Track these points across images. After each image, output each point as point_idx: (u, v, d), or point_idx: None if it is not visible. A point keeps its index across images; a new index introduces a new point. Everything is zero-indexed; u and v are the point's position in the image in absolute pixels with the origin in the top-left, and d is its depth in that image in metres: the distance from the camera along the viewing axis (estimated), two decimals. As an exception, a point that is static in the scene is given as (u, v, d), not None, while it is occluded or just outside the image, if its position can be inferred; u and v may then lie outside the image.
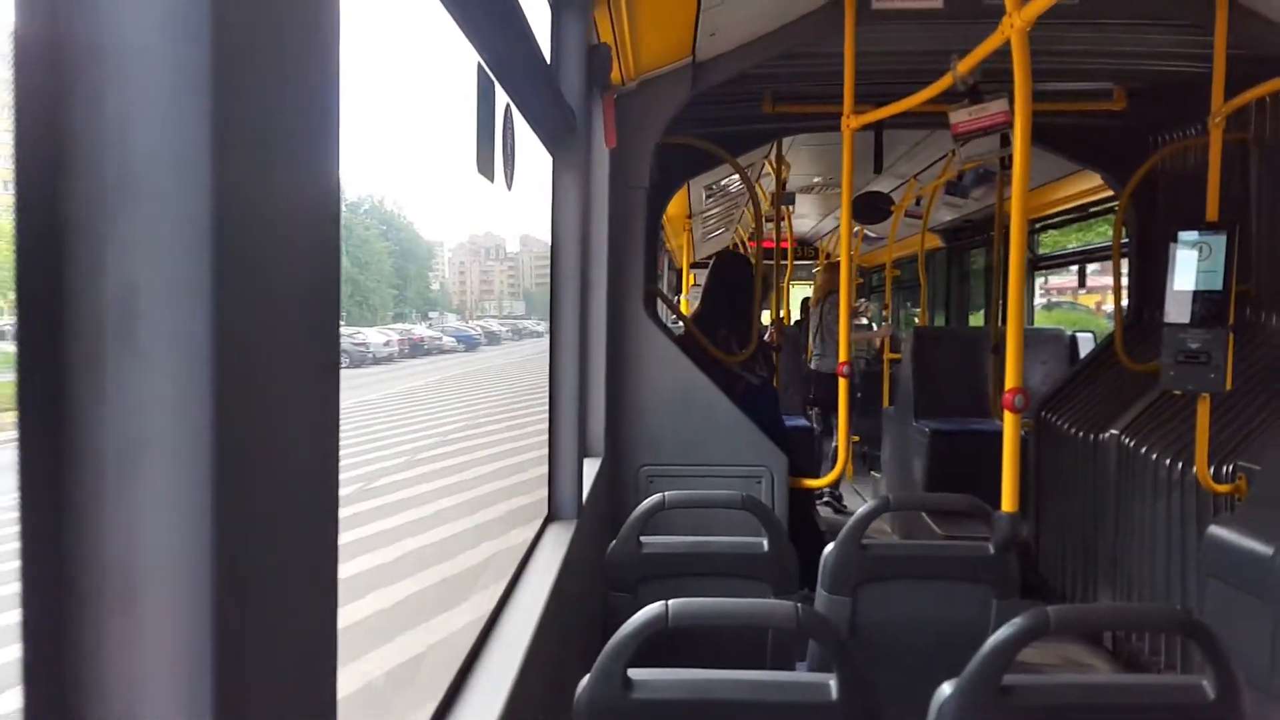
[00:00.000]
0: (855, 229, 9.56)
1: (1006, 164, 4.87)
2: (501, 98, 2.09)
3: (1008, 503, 2.59)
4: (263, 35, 0.58)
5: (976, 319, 8.78)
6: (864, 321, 10.19)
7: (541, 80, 2.24)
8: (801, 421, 6.36)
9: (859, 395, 7.70)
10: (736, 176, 6.65)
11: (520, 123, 2.27)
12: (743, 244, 10.82)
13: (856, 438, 7.70)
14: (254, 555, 0.58)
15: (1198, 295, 3.33)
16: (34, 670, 0.52)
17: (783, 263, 6.64)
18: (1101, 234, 6.28)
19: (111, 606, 0.52)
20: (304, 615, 0.67)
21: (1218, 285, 3.27)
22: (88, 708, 0.53)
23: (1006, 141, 4.40)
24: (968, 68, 2.96)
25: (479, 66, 1.93)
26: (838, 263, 8.67)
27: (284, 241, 0.62)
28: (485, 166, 2.04)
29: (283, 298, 0.62)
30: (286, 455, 0.63)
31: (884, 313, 8.29)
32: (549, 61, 2.56)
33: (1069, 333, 6.28)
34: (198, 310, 0.52)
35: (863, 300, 10.16)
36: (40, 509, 0.52)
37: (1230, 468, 3.39)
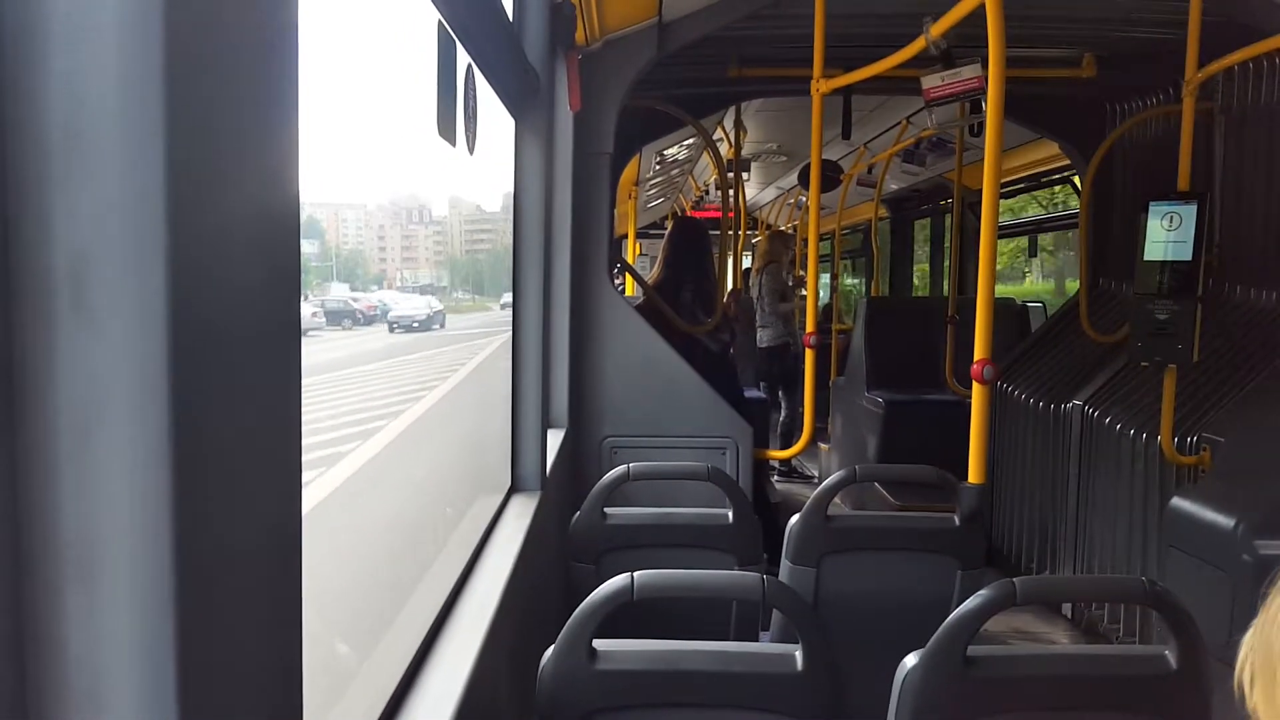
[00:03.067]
0: (799, 199, 9.56)
1: (975, 131, 4.83)
2: (463, 59, 1.99)
3: (974, 474, 2.61)
4: None
5: (922, 290, 8.82)
6: (803, 293, 10.17)
7: (504, 39, 2.18)
8: (755, 393, 6.29)
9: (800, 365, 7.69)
10: (688, 143, 6.52)
11: (481, 84, 2.16)
12: (683, 211, 10.72)
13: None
14: (214, 525, 0.57)
15: (1165, 266, 3.31)
16: None
17: (735, 232, 6.54)
18: (1045, 203, 6.31)
19: (70, 579, 0.52)
20: (267, 584, 0.65)
21: (1187, 255, 3.26)
22: (48, 680, 0.52)
23: (969, 109, 4.35)
24: (940, 31, 2.90)
25: (439, 24, 1.85)
26: (779, 233, 8.68)
27: (240, 204, 0.59)
28: (446, 130, 1.97)
29: (240, 263, 0.59)
30: (246, 423, 0.61)
31: (833, 283, 8.27)
32: (511, 20, 2.43)
33: (1020, 303, 6.31)
34: (151, 278, 0.50)
35: (803, 273, 10.14)
36: None
37: (1194, 439, 3.41)
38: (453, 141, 2.02)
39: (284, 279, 0.66)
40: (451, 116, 1.95)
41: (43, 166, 0.49)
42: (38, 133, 0.49)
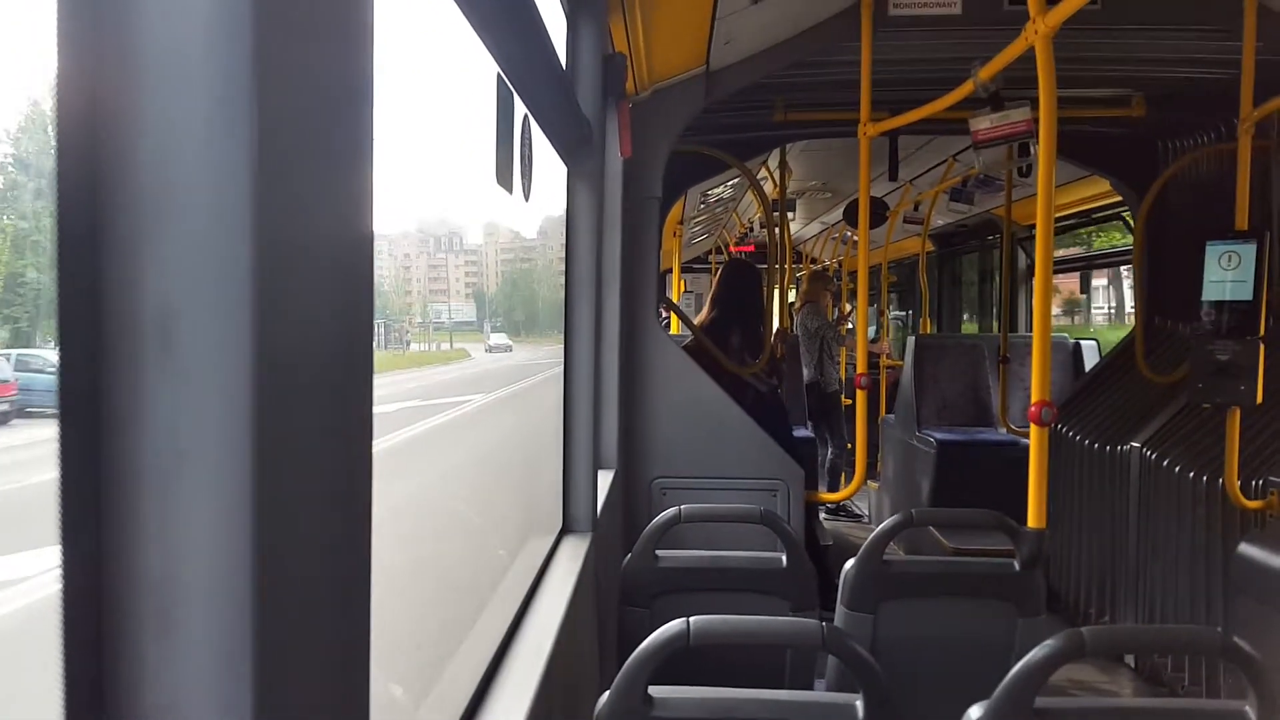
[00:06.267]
0: (844, 234, 9.53)
1: (1024, 173, 4.80)
2: (520, 109, 2.04)
3: (1034, 518, 2.55)
4: (302, 49, 0.58)
5: (968, 325, 8.73)
6: (850, 326, 10.11)
7: (558, 90, 2.21)
8: (804, 432, 6.25)
9: (850, 404, 7.61)
10: (731, 182, 6.56)
11: (535, 132, 2.21)
12: (725, 248, 10.76)
13: (851, 445, 7.63)
14: (290, 570, 0.57)
15: (1225, 305, 3.25)
16: (73, 683, 0.51)
17: (780, 265, 6.55)
18: (1104, 240, 6.24)
19: (150, 624, 0.52)
20: (338, 629, 0.66)
21: (1247, 295, 3.19)
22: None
23: (1017, 151, 4.33)
24: (989, 74, 2.90)
25: (498, 77, 1.89)
26: (818, 273, 8.65)
27: (320, 254, 0.61)
28: (504, 177, 2.01)
29: (319, 310, 0.61)
30: (322, 467, 0.62)
31: (881, 319, 8.21)
32: (565, 71, 2.48)
33: (1072, 341, 6.22)
34: (236, 323, 0.52)
35: (850, 307, 10.08)
36: (80, 522, 0.51)
37: (1260, 482, 3.32)
38: (510, 189, 2.06)
39: (359, 327, 0.67)
40: (509, 165, 2.00)
41: (134, 219, 0.51)
42: (131, 187, 0.51)
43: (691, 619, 1.56)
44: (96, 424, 0.51)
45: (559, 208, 2.67)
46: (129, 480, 0.52)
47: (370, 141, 0.68)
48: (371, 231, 0.69)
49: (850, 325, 9.49)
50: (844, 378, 7.76)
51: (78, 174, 0.51)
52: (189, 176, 0.51)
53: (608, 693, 1.52)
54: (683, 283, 10.19)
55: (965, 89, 2.98)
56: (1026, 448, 2.61)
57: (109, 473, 0.52)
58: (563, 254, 2.67)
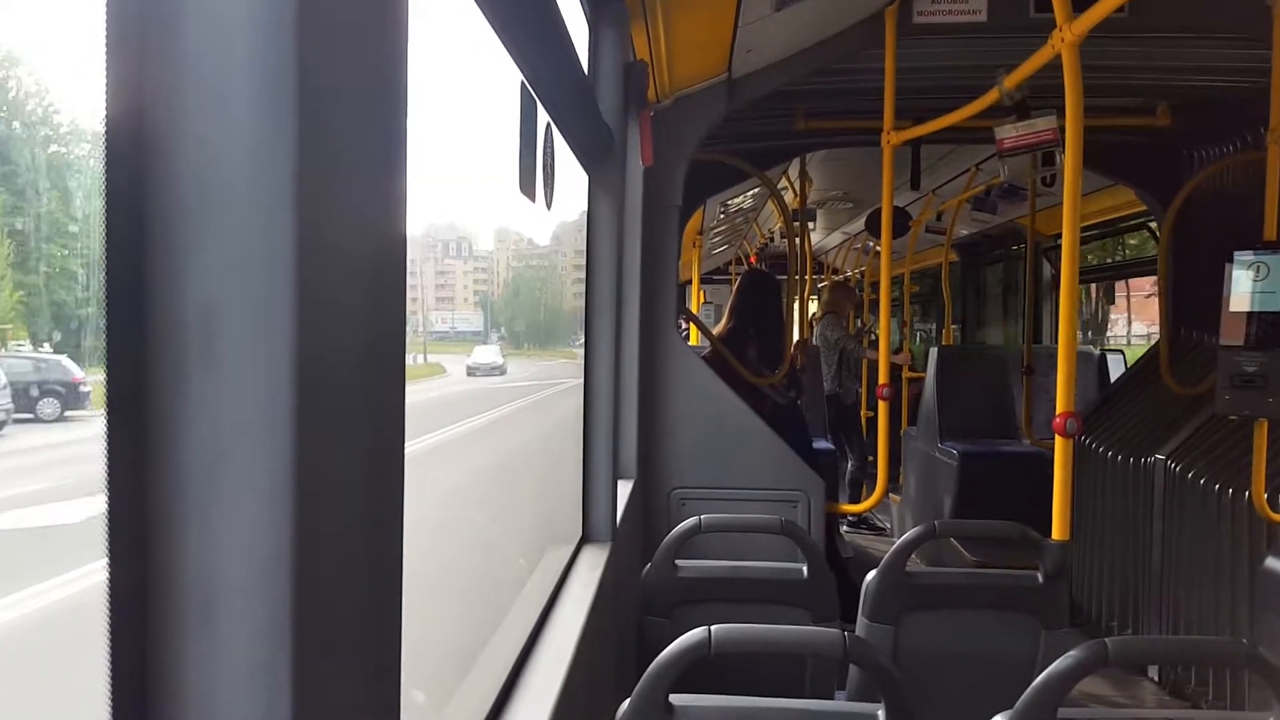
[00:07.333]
0: (866, 244, 9.50)
1: (1048, 182, 4.77)
2: (543, 117, 2.05)
3: (1058, 530, 2.54)
4: (341, 53, 0.59)
5: (992, 336, 8.66)
6: (873, 338, 10.05)
7: (580, 97, 2.21)
8: (824, 444, 6.22)
9: (871, 416, 7.57)
10: (751, 192, 6.55)
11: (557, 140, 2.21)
12: (746, 259, 10.73)
13: (872, 458, 7.59)
14: (328, 562, 0.58)
15: (1254, 316, 3.21)
16: (118, 677, 0.53)
17: (800, 276, 6.53)
18: (1132, 251, 6.19)
19: (192, 619, 0.53)
20: (373, 622, 0.67)
21: (1276, 306, 3.16)
22: (168, 717, 0.54)
23: (1041, 160, 4.31)
24: (1015, 82, 2.89)
25: (521, 85, 1.89)
26: (839, 284, 8.61)
27: (356, 254, 0.62)
28: (527, 185, 2.01)
29: (355, 310, 0.62)
30: (357, 464, 0.63)
31: (903, 330, 8.17)
32: (587, 78, 2.49)
33: (1097, 352, 6.17)
34: (277, 329, 0.53)
35: (873, 319, 10.02)
36: (126, 521, 0.53)
37: None
38: (532, 197, 2.07)
39: (393, 331, 0.69)
40: (532, 172, 2.01)
41: (179, 224, 0.52)
42: (175, 192, 0.52)
43: (713, 627, 1.55)
44: (141, 422, 0.53)
45: (569, 213, 2.63)
46: (173, 476, 0.53)
47: (404, 144, 0.69)
48: (405, 232, 0.70)
49: (873, 337, 9.47)
50: (864, 390, 7.72)
51: (122, 181, 0.52)
52: (232, 177, 0.52)
53: (629, 700, 1.52)
54: (702, 294, 10.18)
55: (990, 97, 2.97)
56: (1050, 460, 2.59)
57: (153, 469, 0.53)
58: (576, 260, 2.66)
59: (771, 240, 9.84)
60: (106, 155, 0.51)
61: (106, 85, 0.51)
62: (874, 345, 9.03)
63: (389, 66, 0.67)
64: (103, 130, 0.51)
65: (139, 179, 0.52)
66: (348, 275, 0.61)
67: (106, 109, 0.51)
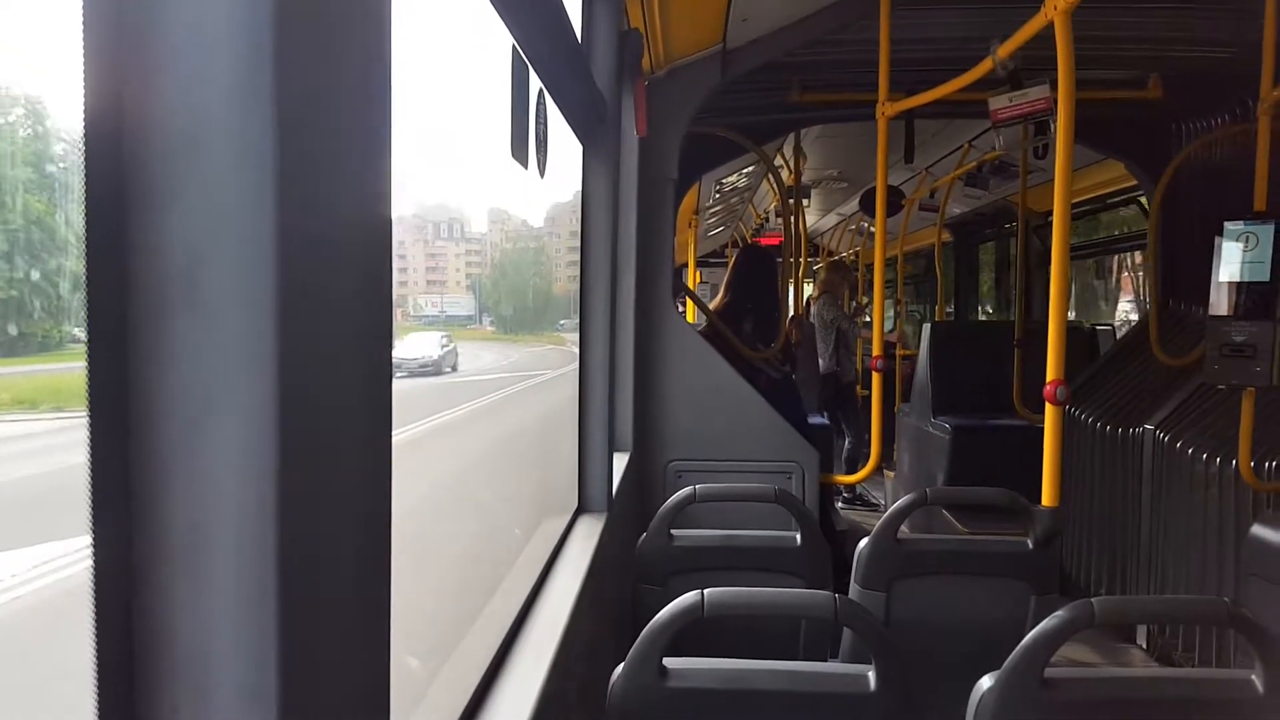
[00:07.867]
0: (860, 225, 9.51)
1: (1040, 154, 4.78)
2: (535, 83, 2.04)
3: (1048, 497, 2.56)
4: (324, 5, 0.59)
5: (986, 313, 8.70)
6: (866, 319, 10.07)
7: (574, 65, 2.21)
8: (820, 419, 6.26)
9: (867, 394, 7.61)
10: (747, 170, 6.55)
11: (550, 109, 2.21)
12: (743, 240, 10.71)
13: (867, 435, 7.63)
14: (315, 515, 0.58)
15: (1242, 287, 3.24)
16: (104, 626, 0.52)
17: (795, 259, 6.54)
18: (1123, 224, 6.21)
19: (179, 568, 0.53)
20: (361, 578, 0.67)
21: (1264, 276, 3.18)
22: (155, 669, 0.54)
23: (1033, 132, 4.32)
24: (1008, 52, 2.89)
25: (513, 49, 1.89)
26: (836, 263, 8.61)
27: (341, 210, 0.62)
28: (519, 152, 2.01)
29: (340, 264, 0.62)
30: (345, 415, 0.63)
31: (897, 308, 8.20)
32: (580, 45, 2.49)
33: (1089, 325, 6.20)
34: (261, 276, 0.52)
35: (868, 299, 10.03)
36: (109, 470, 0.52)
37: (1274, 464, 3.31)
38: (525, 164, 2.07)
39: (378, 279, 0.69)
40: (524, 139, 2.00)
41: (163, 171, 0.52)
42: (159, 140, 0.52)
43: (706, 591, 1.57)
44: (125, 374, 0.53)
45: (564, 194, 2.65)
46: (157, 426, 0.53)
47: (388, 96, 0.69)
48: (389, 186, 0.70)
49: (867, 318, 9.49)
50: (860, 368, 7.75)
51: (103, 126, 0.51)
52: (216, 129, 0.52)
53: (623, 664, 1.54)
54: (699, 275, 10.17)
55: (984, 67, 2.97)
56: (1040, 432, 2.61)
57: (138, 415, 0.53)
58: (571, 243, 2.67)
59: (767, 220, 9.84)
60: (84, 100, 0.51)
61: (84, 28, 0.51)
62: (868, 325, 9.05)
63: (374, 15, 0.66)
64: (81, 74, 0.51)
65: (120, 123, 0.52)
66: (332, 224, 0.61)
67: (84, 52, 0.51)
